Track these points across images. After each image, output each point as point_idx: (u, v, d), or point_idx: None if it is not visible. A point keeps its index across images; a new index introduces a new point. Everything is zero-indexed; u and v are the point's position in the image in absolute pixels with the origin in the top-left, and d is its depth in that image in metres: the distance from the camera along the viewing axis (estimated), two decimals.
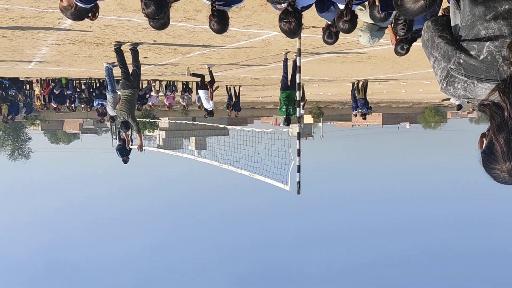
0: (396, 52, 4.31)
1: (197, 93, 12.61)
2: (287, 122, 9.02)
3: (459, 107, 16.27)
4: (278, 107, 9.33)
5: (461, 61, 1.29)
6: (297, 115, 6.58)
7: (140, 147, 8.09)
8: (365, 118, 15.43)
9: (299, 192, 6.23)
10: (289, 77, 8.67)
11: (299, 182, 6.23)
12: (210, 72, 11.26)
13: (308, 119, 71.33)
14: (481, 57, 1.25)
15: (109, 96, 8.69)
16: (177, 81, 16.12)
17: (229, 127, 11.27)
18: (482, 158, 1.19)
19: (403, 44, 4.22)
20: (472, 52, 1.27)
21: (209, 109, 12.80)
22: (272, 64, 10.62)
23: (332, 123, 77.47)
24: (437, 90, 22.58)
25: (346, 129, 77.11)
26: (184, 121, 33.10)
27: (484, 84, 1.26)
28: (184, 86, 16.03)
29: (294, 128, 6.75)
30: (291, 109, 8.63)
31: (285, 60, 8.70)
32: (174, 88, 16.35)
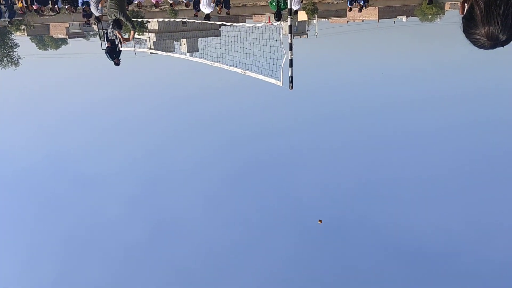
0: None
1: None
2: (278, 17, 8.79)
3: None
4: (269, 1, 9.03)
5: None
6: (289, 7, 6.42)
7: (128, 40, 7.89)
8: (360, 11, 14.94)
9: (291, 87, 6.33)
10: None
11: (291, 77, 6.30)
12: None
13: (302, 16, 68.69)
14: None
15: None
16: None
17: (220, 23, 10.96)
18: (463, 23, 1.19)
19: None
20: None
21: (208, 13, 12.39)
22: None
23: (327, 19, 74.96)
24: None
25: (341, 25, 74.83)
26: (173, 20, 31.82)
27: None
28: None
29: (287, 24, 6.64)
30: (282, 3, 8.36)
31: None
32: None
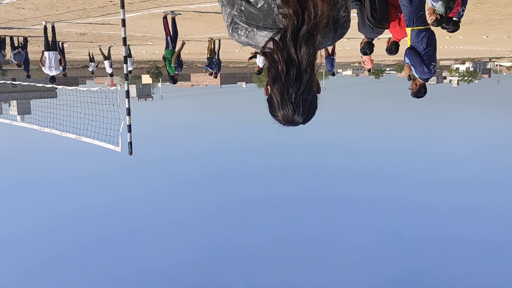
0: None
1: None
2: (174, 81, 9.11)
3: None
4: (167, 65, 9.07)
5: (243, 8, 1.29)
6: (125, 71, 6.27)
7: None
8: (213, 75, 15.28)
9: (131, 153, 6.05)
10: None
11: (131, 142, 6.03)
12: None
13: (146, 79, 69.03)
14: (259, 5, 1.26)
15: None
16: None
17: (59, 87, 10.13)
18: (268, 105, 1.25)
19: None
20: (252, 0, 1.27)
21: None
22: (98, 17, 9.83)
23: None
24: None
25: (186, 89, 77.12)
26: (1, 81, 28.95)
27: (262, 32, 1.28)
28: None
29: (124, 87, 6.44)
30: (171, 68, 8.45)
31: None
32: None
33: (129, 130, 6.02)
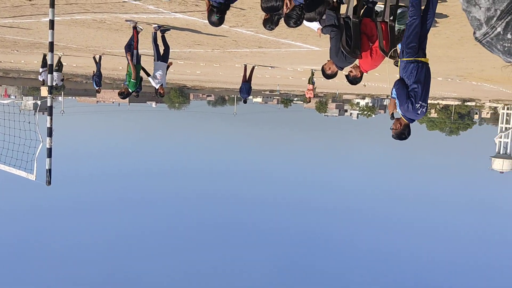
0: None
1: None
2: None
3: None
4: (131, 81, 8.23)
5: None
6: (49, 83, 5.16)
7: None
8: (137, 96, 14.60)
9: (49, 183, 4.92)
10: None
11: (50, 169, 4.92)
12: None
13: (44, 91, 63.70)
14: None
15: None
16: None
17: None
18: None
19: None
20: None
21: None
22: (9, 19, 8.45)
23: (74, 98, 71.86)
24: (185, 71, 23.20)
25: (90, 105, 72.74)
26: None
27: None
28: None
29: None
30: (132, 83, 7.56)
31: None
32: None
33: (49, 155, 4.91)
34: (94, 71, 17.90)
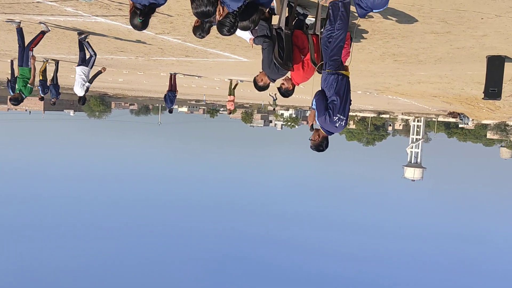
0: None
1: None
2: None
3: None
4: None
5: None
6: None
7: None
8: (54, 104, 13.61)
9: None
10: None
11: None
12: None
13: None
14: None
15: None
16: None
17: None
18: None
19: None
20: None
21: None
22: None
23: None
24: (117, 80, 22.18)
25: (2, 112, 67.24)
26: None
27: None
28: None
29: None
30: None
31: None
32: None
33: None
34: (8, 78, 16.46)
